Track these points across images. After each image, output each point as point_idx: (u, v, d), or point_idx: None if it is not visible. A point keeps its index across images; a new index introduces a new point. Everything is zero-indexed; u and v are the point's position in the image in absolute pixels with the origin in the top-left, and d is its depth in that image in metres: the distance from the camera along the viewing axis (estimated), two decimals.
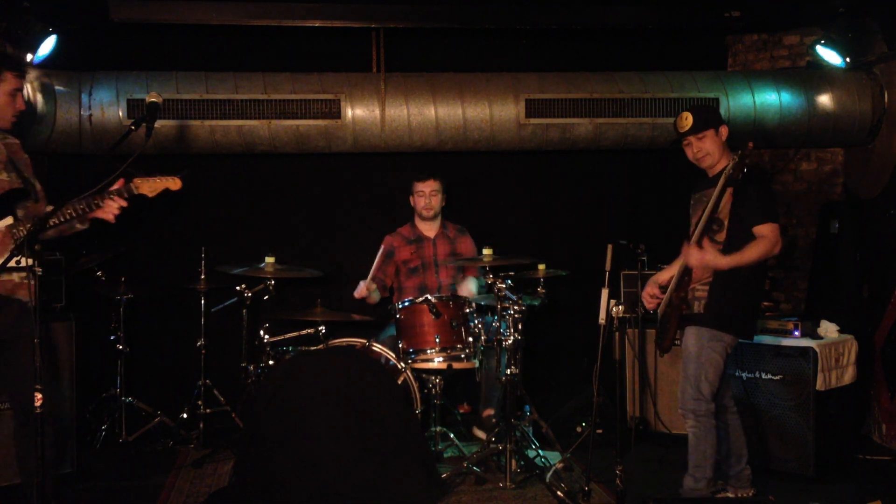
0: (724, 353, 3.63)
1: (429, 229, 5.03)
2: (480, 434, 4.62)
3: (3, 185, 3.22)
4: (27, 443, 3.25)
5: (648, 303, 3.89)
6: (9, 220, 3.18)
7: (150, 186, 3.33)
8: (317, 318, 4.40)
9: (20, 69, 3.35)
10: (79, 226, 3.36)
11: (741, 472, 3.81)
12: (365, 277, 5.03)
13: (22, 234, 3.15)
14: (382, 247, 5.04)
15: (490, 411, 4.61)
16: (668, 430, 4.81)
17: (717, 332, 3.60)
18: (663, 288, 3.84)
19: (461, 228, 5.12)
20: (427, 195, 4.94)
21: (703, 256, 3.45)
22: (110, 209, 3.25)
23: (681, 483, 3.71)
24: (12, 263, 3.13)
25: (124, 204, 3.27)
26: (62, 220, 3.20)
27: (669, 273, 3.92)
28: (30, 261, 3.17)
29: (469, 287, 4.88)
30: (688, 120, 3.67)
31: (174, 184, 3.36)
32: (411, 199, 5.03)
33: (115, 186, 3.27)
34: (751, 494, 3.81)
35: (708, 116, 3.71)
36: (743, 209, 3.51)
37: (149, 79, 4.83)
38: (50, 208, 3.23)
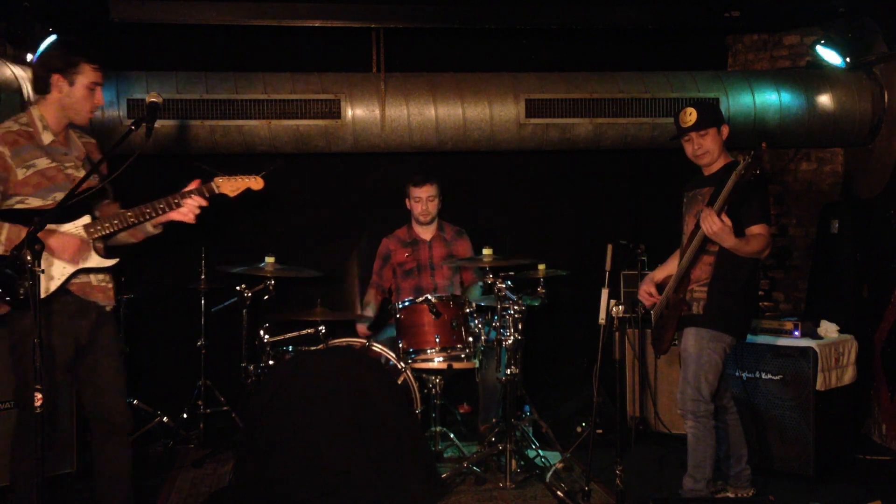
0: (724, 354, 3.63)
1: (425, 232, 5.01)
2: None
3: (88, 182, 3.11)
4: (107, 456, 3.22)
5: (647, 300, 3.90)
6: (86, 219, 3.10)
7: (231, 186, 3.26)
8: (317, 318, 4.39)
9: (99, 62, 3.13)
10: (151, 229, 3.27)
11: (741, 472, 3.81)
12: (365, 277, 5.04)
13: (99, 233, 3.10)
14: (380, 251, 5.05)
15: (488, 425, 4.58)
16: (668, 430, 4.81)
17: (718, 333, 3.60)
18: (660, 287, 3.84)
19: (459, 230, 5.09)
20: (424, 201, 4.90)
21: (721, 227, 3.37)
22: (190, 209, 3.16)
23: (680, 483, 3.72)
24: (93, 264, 3.10)
25: (204, 203, 3.19)
26: (132, 222, 3.13)
27: (664, 272, 3.92)
28: (111, 261, 3.15)
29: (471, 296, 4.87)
30: (692, 115, 3.66)
31: (256, 183, 3.28)
32: (407, 202, 5.00)
33: (191, 187, 3.20)
34: (751, 494, 3.81)
35: (711, 114, 3.70)
36: (739, 210, 3.51)
37: (149, 79, 4.82)
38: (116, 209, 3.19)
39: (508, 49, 5.71)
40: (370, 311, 4.94)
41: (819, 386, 4.13)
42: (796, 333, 4.31)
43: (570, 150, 5.37)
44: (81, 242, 3.06)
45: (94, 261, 3.12)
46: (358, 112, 4.96)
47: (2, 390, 3.90)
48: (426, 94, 5.01)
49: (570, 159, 5.76)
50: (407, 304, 4.38)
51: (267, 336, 4.39)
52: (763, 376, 4.29)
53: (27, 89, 4.40)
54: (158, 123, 3.25)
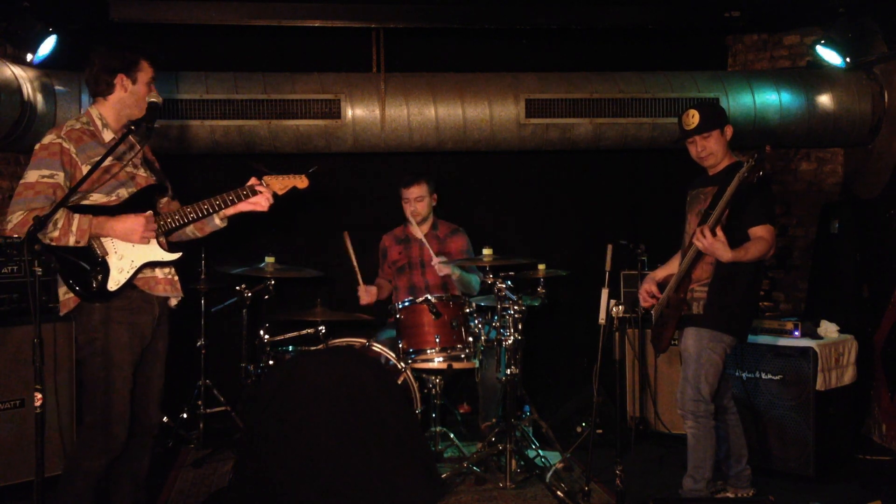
0: (724, 354, 3.63)
1: (419, 230, 4.97)
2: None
3: (141, 180, 3.18)
4: (130, 455, 3.23)
5: (645, 301, 3.89)
6: (149, 215, 3.11)
7: (280, 184, 3.33)
8: (317, 318, 4.40)
9: (154, 58, 3.21)
10: (218, 223, 3.35)
11: (741, 472, 3.81)
12: (367, 280, 5.02)
13: (162, 228, 3.14)
14: (379, 247, 5.07)
15: (489, 423, 4.59)
16: (668, 430, 4.81)
17: (718, 334, 3.61)
18: (661, 286, 3.84)
19: (455, 229, 5.05)
20: (412, 201, 4.86)
21: (714, 243, 3.39)
22: (266, 200, 3.29)
23: (680, 484, 3.72)
24: (158, 258, 3.13)
25: (270, 196, 3.31)
26: (192, 217, 3.18)
27: (666, 271, 3.92)
28: (175, 255, 3.19)
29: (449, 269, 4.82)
30: (694, 118, 3.66)
31: (301, 182, 3.37)
32: (402, 201, 5.00)
33: (249, 184, 3.28)
34: (751, 494, 3.81)
35: (714, 115, 3.70)
36: (742, 210, 3.52)
37: None
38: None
39: (508, 49, 5.71)
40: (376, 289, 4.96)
41: (819, 386, 4.13)
42: (796, 333, 4.31)
43: (570, 150, 5.37)
44: (147, 220, 3.07)
45: (159, 255, 3.15)
46: (358, 112, 4.96)
47: (2, 390, 3.91)
48: (426, 94, 5.01)
49: (570, 159, 5.76)
50: (407, 304, 4.38)
51: (267, 336, 4.39)
52: (763, 376, 4.29)
53: (27, 89, 4.40)
54: (158, 123, 3.26)
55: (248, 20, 4.84)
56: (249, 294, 4.62)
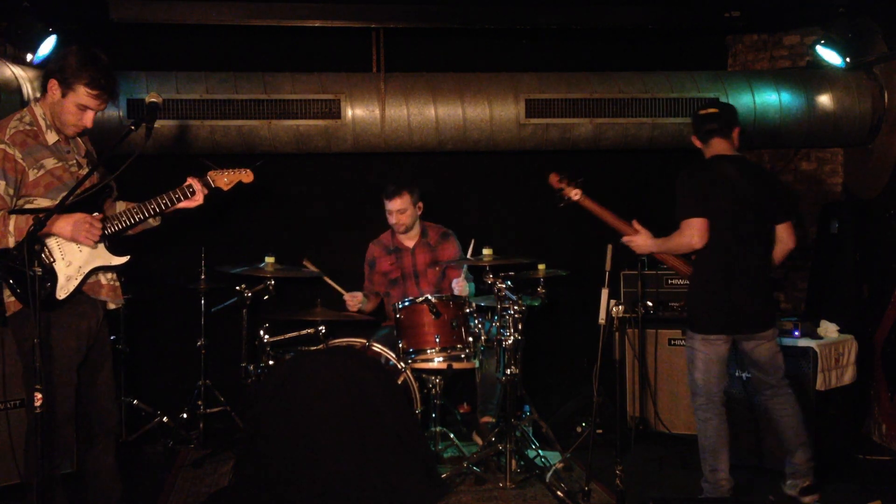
0: (697, 351, 3.67)
1: (407, 240, 4.94)
2: (479, 440, 4.57)
3: (90, 179, 3.08)
4: (102, 458, 3.22)
5: None
6: (97, 216, 3.05)
7: (224, 179, 3.32)
8: (317, 318, 4.39)
9: (99, 88, 2.99)
10: (152, 222, 3.30)
11: (798, 466, 3.75)
12: (358, 286, 5.01)
13: (109, 231, 3.09)
14: (367, 257, 5.02)
15: (487, 419, 4.58)
16: (668, 430, 4.81)
17: (687, 331, 3.76)
18: None
19: (445, 233, 4.98)
20: (395, 213, 4.80)
21: (633, 239, 3.82)
22: (200, 196, 3.26)
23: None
24: (104, 263, 3.08)
25: (206, 191, 3.29)
26: (139, 218, 3.14)
27: None
28: (122, 259, 3.12)
29: (461, 286, 4.81)
30: None
31: (247, 176, 3.38)
32: (385, 211, 4.90)
33: (187, 183, 3.24)
34: (808, 484, 3.73)
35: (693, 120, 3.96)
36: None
37: (149, 79, 4.82)
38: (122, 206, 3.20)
39: (508, 49, 5.71)
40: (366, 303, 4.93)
41: (819, 386, 4.13)
42: (796, 333, 4.31)
43: (570, 150, 5.37)
44: (93, 219, 2.99)
45: (106, 259, 3.10)
46: (358, 112, 4.96)
47: (6, 390, 3.90)
48: (426, 94, 5.01)
49: (570, 159, 5.75)
50: (407, 304, 4.37)
51: (267, 336, 4.38)
52: None
53: (27, 89, 4.40)
54: (158, 123, 3.25)
55: (248, 20, 4.84)
56: (249, 294, 4.62)
